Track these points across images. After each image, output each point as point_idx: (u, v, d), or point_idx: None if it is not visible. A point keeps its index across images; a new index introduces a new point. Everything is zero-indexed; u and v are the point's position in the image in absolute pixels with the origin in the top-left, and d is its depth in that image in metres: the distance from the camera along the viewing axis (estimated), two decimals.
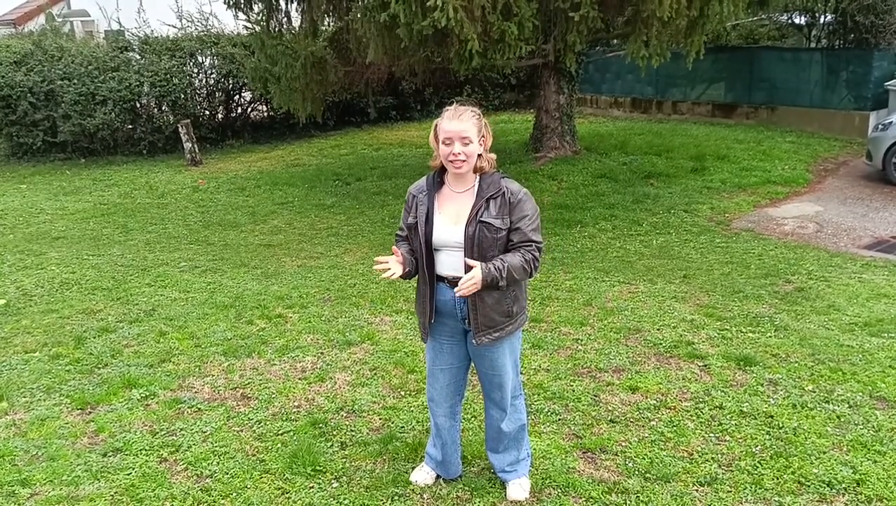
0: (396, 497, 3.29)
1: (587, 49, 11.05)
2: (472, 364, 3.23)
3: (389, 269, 2.93)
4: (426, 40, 7.91)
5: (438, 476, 3.41)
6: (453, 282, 2.96)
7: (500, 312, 2.97)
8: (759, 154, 10.94)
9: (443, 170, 3.01)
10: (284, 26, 10.42)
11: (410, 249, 3.06)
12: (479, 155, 2.91)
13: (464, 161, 2.86)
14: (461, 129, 2.83)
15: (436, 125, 2.92)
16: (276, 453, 3.68)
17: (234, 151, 14.03)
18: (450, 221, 2.94)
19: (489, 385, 3.19)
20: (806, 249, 7.22)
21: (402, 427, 3.90)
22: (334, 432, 3.86)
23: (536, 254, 2.94)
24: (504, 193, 2.91)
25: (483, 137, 2.91)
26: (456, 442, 3.35)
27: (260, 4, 10.14)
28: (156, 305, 5.99)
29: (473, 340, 3.00)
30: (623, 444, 3.69)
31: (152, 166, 12.81)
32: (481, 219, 2.87)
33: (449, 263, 2.97)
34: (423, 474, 3.41)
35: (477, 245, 2.87)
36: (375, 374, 4.57)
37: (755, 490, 3.29)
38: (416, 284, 3.15)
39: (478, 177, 2.96)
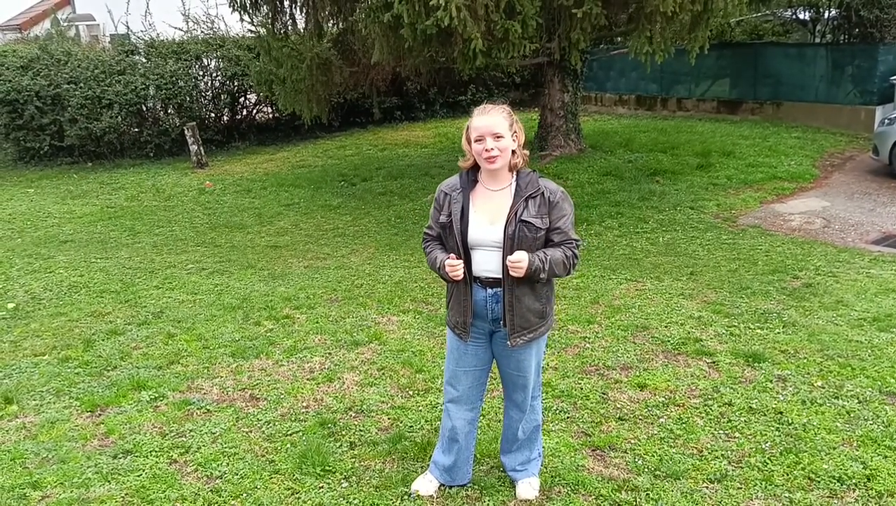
0: (406, 497, 3.28)
1: (591, 47, 11.04)
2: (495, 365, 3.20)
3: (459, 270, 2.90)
4: (430, 40, 7.92)
5: (441, 485, 3.31)
6: (486, 282, 2.93)
7: (535, 312, 2.95)
8: (764, 150, 10.92)
9: (476, 168, 2.98)
10: (289, 28, 10.46)
11: (444, 248, 3.03)
12: (513, 151, 2.89)
13: (497, 156, 2.83)
14: (491, 123, 2.82)
15: (467, 127, 2.90)
16: (286, 453, 3.68)
17: (240, 152, 14.07)
18: (486, 220, 2.90)
19: (512, 387, 3.17)
20: (813, 245, 7.19)
21: (411, 427, 3.90)
22: (343, 432, 3.86)
23: (577, 251, 2.93)
24: (543, 192, 2.88)
25: (515, 132, 2.88)
26: (471, 448, 3.30)
27: (265, 7, 10.17)
28: (164, 307, 6.01)
29: (508, 342, 2.96)
30: (632, 441, 3.69)
31: (159, 169, 12.86)
32: (522, 218, 2.84)
33: (483, 262, 2.93)
34: (425, 483, 3.32)
35: (517, 245, 2.84)
36: (383, 374, 4.58)
37: (765, 487, 3.28)
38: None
39: (514, 175, 2.94)
